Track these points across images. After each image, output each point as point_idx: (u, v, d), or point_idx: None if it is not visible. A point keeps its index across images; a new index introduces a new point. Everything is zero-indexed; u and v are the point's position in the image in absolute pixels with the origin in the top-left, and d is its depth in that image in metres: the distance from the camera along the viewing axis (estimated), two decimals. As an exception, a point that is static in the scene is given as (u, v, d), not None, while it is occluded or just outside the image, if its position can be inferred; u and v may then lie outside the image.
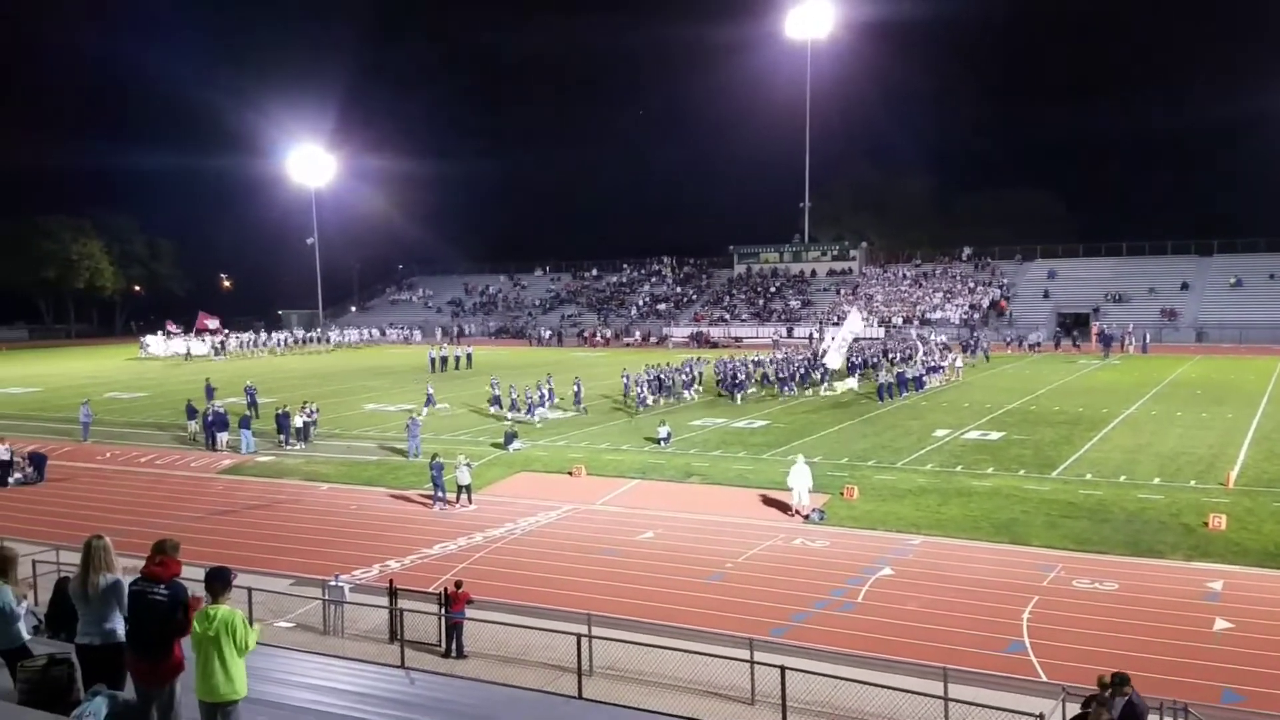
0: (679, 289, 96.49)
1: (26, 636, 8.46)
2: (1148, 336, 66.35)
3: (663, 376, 43.66)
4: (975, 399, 41.50)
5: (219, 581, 7.52)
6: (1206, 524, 20.99)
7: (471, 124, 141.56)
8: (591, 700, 12.64)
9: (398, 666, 13.77)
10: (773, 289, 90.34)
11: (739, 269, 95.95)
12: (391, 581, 17.36)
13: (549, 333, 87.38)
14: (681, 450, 30.85)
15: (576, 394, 39.85)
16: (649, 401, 39.47)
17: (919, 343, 54.40)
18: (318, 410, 35.39)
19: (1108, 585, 17.82)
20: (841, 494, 24.42)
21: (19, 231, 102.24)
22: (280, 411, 34.35)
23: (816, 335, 72.41)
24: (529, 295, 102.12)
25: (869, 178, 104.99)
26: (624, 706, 11.99)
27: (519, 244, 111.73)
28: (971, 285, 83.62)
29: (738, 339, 79.45)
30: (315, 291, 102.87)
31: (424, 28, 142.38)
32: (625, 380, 42.73)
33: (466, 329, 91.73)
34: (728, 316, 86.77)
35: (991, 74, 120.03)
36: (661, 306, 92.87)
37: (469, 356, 62.19)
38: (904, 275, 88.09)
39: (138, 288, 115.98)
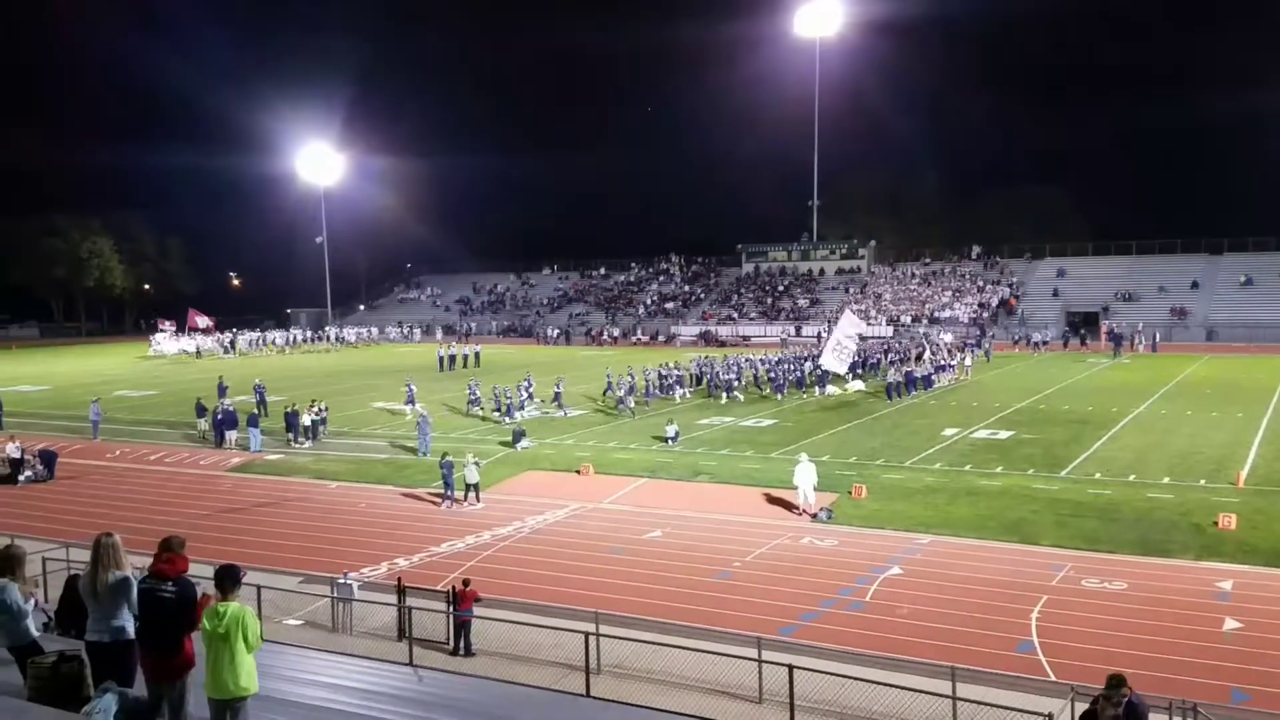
0: (687, 288, 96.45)
1: (36, 633, 8.49)
2: (1157, 335, 66.13)
3: (663, 374, 43.80)
4: (984, 398, 41.41)
5: (229, 579, 7.54)
6: (1216, 523, 20.90)
7: (480, 123, 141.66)
8: (599, 699, 12.65)
9: (406, 664, 13.78)
10: (781, 288, 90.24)
11: (747, 268, 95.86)
12: (400, 579, 17.40)
13: (556, 331, 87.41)
14: (689, 449, 30.84)
15: (557, 394, 39.37)
16: (631, 404, 38.54)
17: (925, 342, 54.23)
18: (327, 409, 35.47)
19: (1117, 585, 17.76)
20: (850, 493, 24.39)
21: (29, 230, 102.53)
22: (289, 410, 34.43)
23: (825, 334, 72.24)
24: (537, 294, 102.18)
25: (878, 176, 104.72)
26: (632, 705, 11.99)
27: (527, 243, 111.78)
28: (980, 284, 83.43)
29: (746, 338, 79.41)
30: (324, 290, 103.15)
31: (433, 26, 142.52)
32: (609, 380, 42.17)
33: (471, 327, 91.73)
34: (736, 315, 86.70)
35: (1001, 72, 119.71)
36: (669, 305, 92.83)
37: (477, 355, 62.26)
38: (913, 274, 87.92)
39: (147, 286, 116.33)
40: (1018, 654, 14.81)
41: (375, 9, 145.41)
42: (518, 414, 37.20)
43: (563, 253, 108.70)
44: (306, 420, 33.78)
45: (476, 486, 25.06)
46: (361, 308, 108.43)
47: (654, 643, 14.14)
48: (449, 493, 24.77)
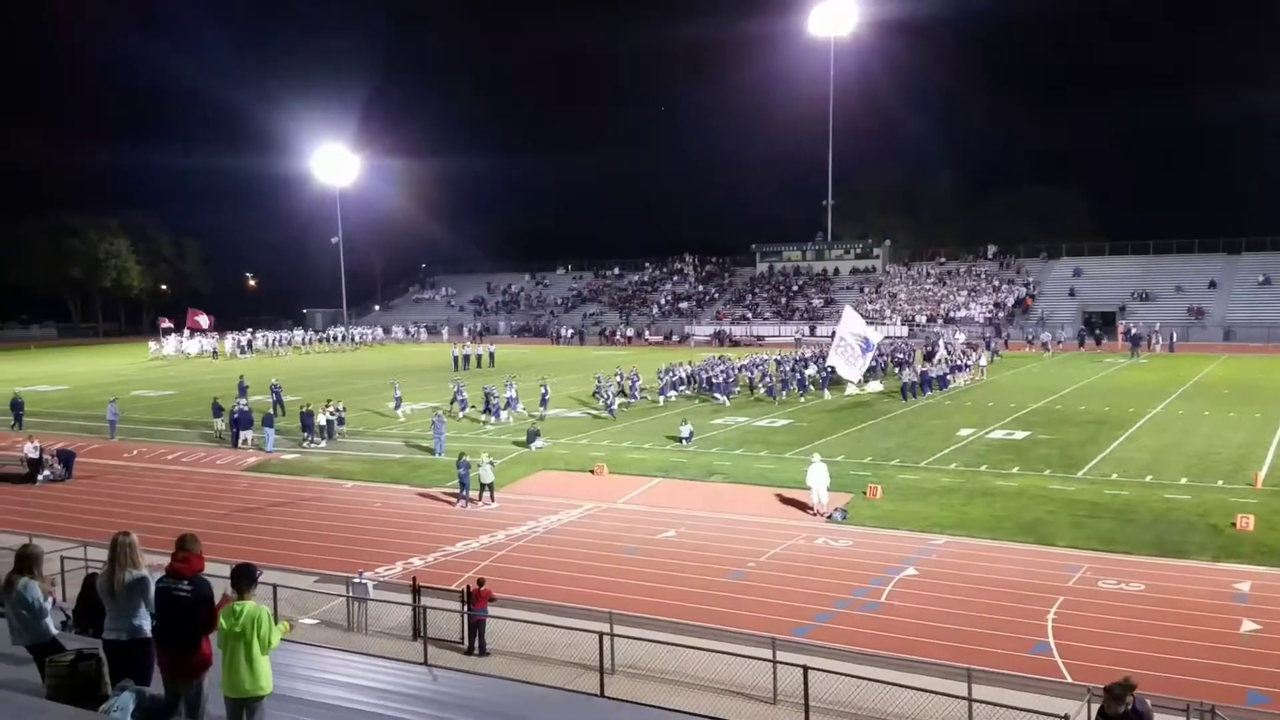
0: (701, 287, 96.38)
1: (54, 631, 8.55)
2: (1174, 335, 65.74)
3: (661, 375, 43.55)
4: (1000, 398, 41.25)
5: (245, 578, 7.58)
6: (1234, 524, 20.77)
7: (495, 123, 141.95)
8: (614, 699, 12.65)
9: (421, 663, 13.81)
10: (795, 287, 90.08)
11: (761, 267, 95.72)
12: (415, 579, 17.45)
13: (571, 331, 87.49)
14: (703, 449, 30.82)
15: (543, 397, 38.80)
16: (615, 406, 38.14)
17: (938, 342, 53.83)
18: (345, 409, 35.61)
19: (1134, 586, 17.67)
20: (864, 493, 24.33)
21: (48, 231, 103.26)
22: (304, 410, 34.57)
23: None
24: (551, 294, 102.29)
25: (893, 176, 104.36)
26: (646, 705, 11.99)
27: (542, 243, 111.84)
28: (996, 284, 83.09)
29: (760, 338, 79.31)
30: (339, 290, 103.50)
31: (447, 27, 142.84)
32: (598, 382, 41.35)
33: (478, 326, 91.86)
34: (750, 315, 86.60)
35: (1016, 71, 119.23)
36: (684, 305, 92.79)
37: (492, 355, 62.39)
38: (928, 274, 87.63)
39: (164, 286, 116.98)
40: (1033, 655, 14.75)
41: (391, 10, 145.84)
42: (502, 414, 37.05)
43: (577, 253, 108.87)
44: (322, 420, 33.91)
45: (491, 486, 25.11)
46: (377, 308, 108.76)
47: (668, 643, 14.14)
48: (464, 492, 24.82)
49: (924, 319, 78.07)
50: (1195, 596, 17.14)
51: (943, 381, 44.32)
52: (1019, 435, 32.12)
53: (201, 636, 7.63)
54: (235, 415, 34.42)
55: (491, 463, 25.65)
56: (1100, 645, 15.00)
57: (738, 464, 28.58)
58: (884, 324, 77.65)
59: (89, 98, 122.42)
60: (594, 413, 38.95)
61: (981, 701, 11.69)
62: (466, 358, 59.96)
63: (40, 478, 28.97)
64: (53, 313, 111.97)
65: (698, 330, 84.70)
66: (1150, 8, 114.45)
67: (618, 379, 41.74)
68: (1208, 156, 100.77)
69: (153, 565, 7.98)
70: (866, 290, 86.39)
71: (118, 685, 7.41)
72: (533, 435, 31.84)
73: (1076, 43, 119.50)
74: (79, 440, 34.80)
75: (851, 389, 42.86)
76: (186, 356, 73.43)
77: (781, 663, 13.21)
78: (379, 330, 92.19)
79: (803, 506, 23.53)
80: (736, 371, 46.25)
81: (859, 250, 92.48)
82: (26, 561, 8.54)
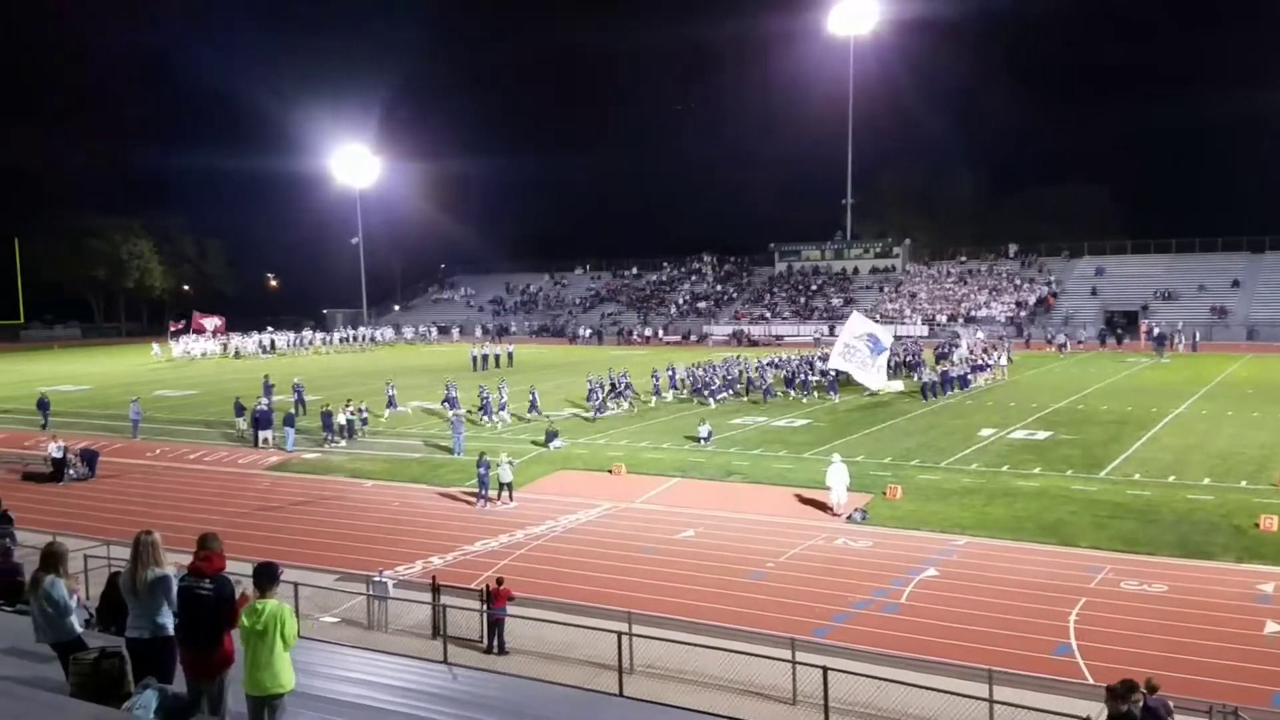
0: (719, 287, 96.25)
1: (79, 630, 8.62)
2: (1197, 335, 65.18)
3: (659, 376, 43.16)
4: (1021, 398, 41.00)
5: (266, 576, 7.61)
6: (1258, 525, 20.58)
7: (513, 123, 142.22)
8: (632, 698, 12.65)
9: (440, 662, 13.86)
10: (814, 287, 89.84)
11: (780, 267, 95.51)
12: (434, 578, 17.52)
13: (589, 331, 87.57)
14: (722, 449, 30.78)
15: (532, 400, 38.34)
16: (603, 408, 37.86)
17: (955, 342, 53.35)
18: (367, 409, 35.79)
19: (1156, 587, 17.54)
20: (884, 494, 24.24)
21: (71, 231, 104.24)
22: (324, 409, 34.74)
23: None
24: (570, 294, 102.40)
25: (913, 174, 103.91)
26: (665, 705, 11.99)
27: (560, 243, 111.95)
28: (1018, 283, 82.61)
29: (779, 337, 79.13)
30: (360, 291, 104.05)
31: (466, 29, 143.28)
32: (589, 384, 40.42)
33: (489, 327, 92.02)
34: (769, 315, 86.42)
35: (1035, 68, 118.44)
36: (702, 305, 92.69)
37: (510, 355, 62.53)
38: (948, 273, 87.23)
39: (186, 287, 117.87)
40: (1055, 657, 14.66)
41: (411, 12, 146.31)
42: (494, 415, 36.92)
43: (595, 253, 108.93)
44: (342, 419, 34.08)
45: (510, 486, 25.17)
46: (396, 308, 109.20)
47: (687, 643, 14.14)
48: (483, 491, 24.88)
49: (944, 318, 77.69)
50: (1218, 598, 16.99)
51: (963, 381, 44.07)
52: (1041, 435, 31.92)
53: (223, 634, 7.67)
54: (255, 415, 34.65)
55: (511, 462, 25.72)
56: (1122, 646, 14.89)
57: (756, 464, 28.53)
58: (904, 323, 77.47)
59: (113, 100, 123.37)
60: (581, 414, 38.58)
61: (1003, 703, 11.62)
62: (485, 358, 60.11)
63: (65, 477, 29.23)
64: (76, 313, 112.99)
65: (716, 330, 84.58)
66: (1172, 5, 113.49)
67: (609, 380, 41.15)
68: (1231, 154, 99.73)
69: (175, 564, 8.02)
70: (886, 289, 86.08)
71: (141, 683, 7.46)
72: (551, 435, 31.89)
73: (1097, 40, 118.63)
74: (102, 440, 35.10)
75: (874, 388, 42.27)
76: (191, 359, 73.29)
77: (801, 663, 13.18)
78: (388, 330, 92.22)
79: (822, 507, 23.47)
80: (734, 373, 45.06)
81: (878, 249, 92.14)
82: (52, 559, 8.62)
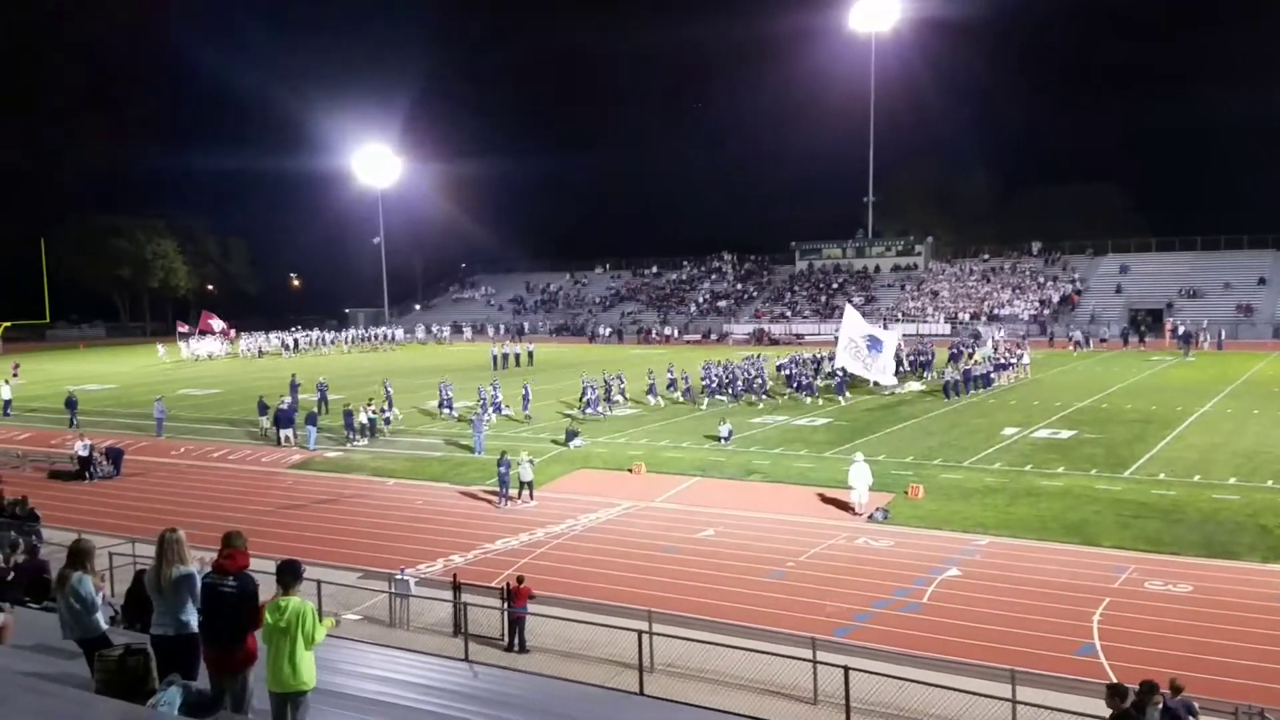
0: (739, 286, 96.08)
1: (105, 626, 8.69)
2: (1223, 333, 64.57)
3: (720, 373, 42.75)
4: (1045, 397, 40.74)
5: (290, 574, 7.65)
6: (1286, 526, 20.38)
7: (533, 123, 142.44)
8: (653, 697, 12.66)
9: (462, 659, 13.92)
10: (835, 285, 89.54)
11: (800, 265, 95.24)
12: (455, 576, 17.60)
13: (609, 330, 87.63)
14: (742, 448, 30.73)
15: (525, 400, 38.09)
16: (598, 409, 37.57)
17: (972, 342, 52.77)
18: (389, 408, 35.93)
19: (1181, 587, 17.40)
20: (906, 493, 24.14)
21: (96, 231, 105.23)
22: (346, 409, 34.93)
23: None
24: (590, 293, 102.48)
25: (935, 172, 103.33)
26: (685, 704, 11.99)
27: (580, 242, 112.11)
28: (1041, 280, 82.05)
29: (799, 336, 78.91)
30: (381, 290, 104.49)
31: (486, 29, 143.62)
32: (583, 383, 39.89)
33: (508, 325, 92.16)
34: (789, 313, 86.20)
35: (1060, 66, 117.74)
36: (722, 304, 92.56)
37: (530, 354, 62.66)
38: (971, 271, 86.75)
39: (210, 287, 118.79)
40: (1078, 657, 14.57)
41: (432, 11, 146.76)
42: (489, 415, 36.83)
43: (615, 251, 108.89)
44: (363, 418, 34.25)
45: (530, 484, 25.23)
46: (418, 307, 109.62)
47: (707, 642, 14.14)
48: (504, 491, 24.95)
49: (967, 317, 77.28)
50: (1244, 598, 16.84)
51: (986, 380, 43.82)
52: (1064, 434, 31.70)
53: (246, 632, 7.72)
54: (277, 413, 34.86)
55: (531, 461, 25.77)
56: (1147, 647, 14.79)
57: (777, 463, 28.47)
58: (926, 322, 77.15)
59: (136, 101, 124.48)
60: (571, 415, 38.19)
61: (1025, 703, 11.57)
62: (505, 356, 60.25)
63: (91, 475, 29.52)
64: (101, 312, 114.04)
65: (736, 329, 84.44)
66: (1197, 1, 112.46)
67: (604, 382, 40.62)
68: (1257, 151, 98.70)
69: (199, 561, 8.08)
70: (908, 288, 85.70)
71: (165, 680, 7.51)
72: (571, 434, 31.94)
73: (1121, 37, 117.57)
74: (127, 438, 35.41)
75: (882, 386, 41.78)
76: (196, 359, 73.10)
77: (822, 663, 13.15)
78: (398, 330, 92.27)
79: (843, 506, 23.40)
80: (731, 373, 43.93)
81: (900, 247, 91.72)
82: (79, 556, 8.69)
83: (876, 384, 41.91)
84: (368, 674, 10.82)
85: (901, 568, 19.02)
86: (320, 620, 7.71)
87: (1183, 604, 16.63)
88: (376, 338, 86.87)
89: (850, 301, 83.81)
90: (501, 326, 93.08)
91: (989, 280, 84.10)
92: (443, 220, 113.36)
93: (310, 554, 19.70)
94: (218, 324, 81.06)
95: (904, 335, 63.31)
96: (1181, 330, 62.92)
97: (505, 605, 16.01)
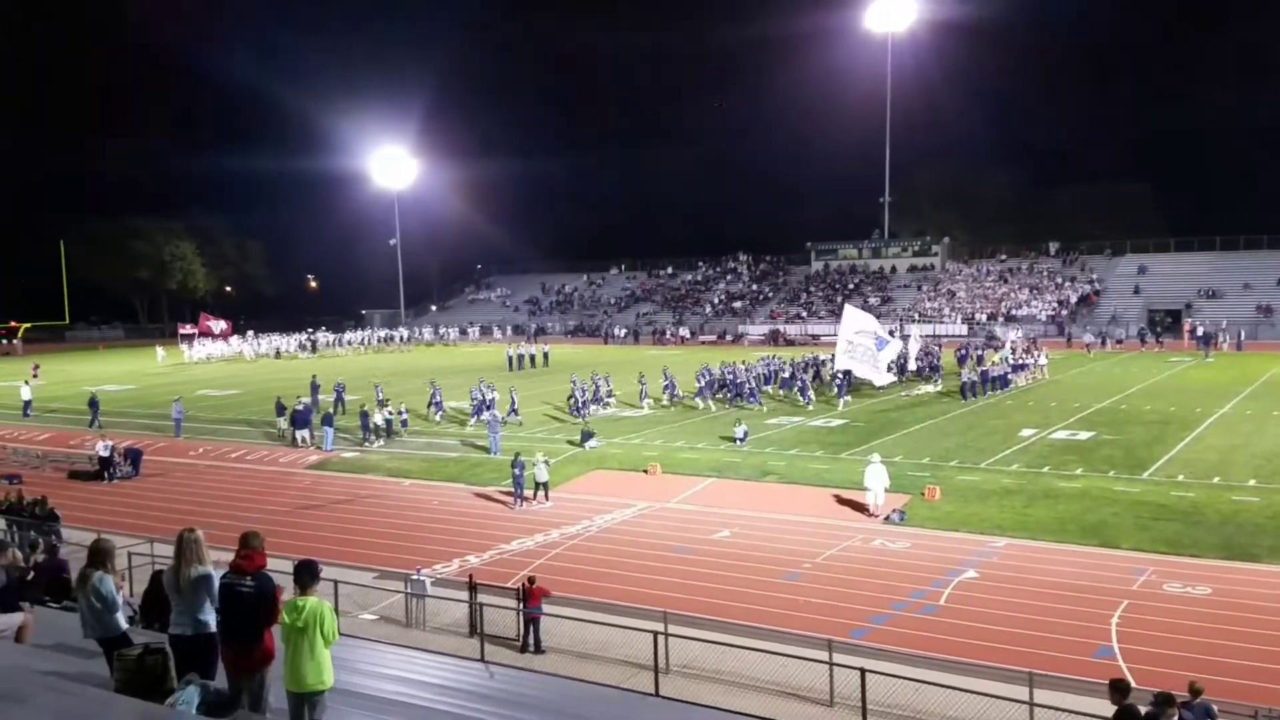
0: (755, 286, 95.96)
1: (124, 626, 8.75)
2: (1242, 333, 64.11)
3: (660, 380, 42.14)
4: (1063, 398, 40.52)
5: (307, 574, 7.69)
6: (1307, 528, 20.21)
7: (550, 124, 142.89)
8: (668, 698, 12.66)
9: (477, 660, 13.95)
10: (851, 285, 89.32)
11: (816, 266, 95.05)
12: (471, 576, 17.62)
13: (624, 331, 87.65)
14: (758, 449, 30.68)
15: (512, 403, 37.65)
16: (588, 411, 37.18)
17: (986, 343, 52.30)
18: (407, 410, 36.02)
19: (1200, 589, 17.27)
20: (923, 494, 24.04)
21: (114, 233, 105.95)
22: (362, 409, 35.06)
23: (897, 333, 71.21)
24: (605, 294, 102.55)
25: (951, 172, 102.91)
26: (701, 705, 11.99)
27: (595, 243, 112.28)
28: (1059, 281, 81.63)
29: (815, 336, 78.74)
30: (397, 291, 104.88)
31: (502, 31, 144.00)
32: (573, 385, 39.30)
33: (522, 327, 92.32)
34: (805, 314, 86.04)
35: (1077, 65, 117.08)
36: (737, 304, 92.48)
37: (545, 355, 62.74)
38: (988, 271, 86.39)
39: (228, 288, 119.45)
40: (1097, 660, 14.47)
41: (447, 13, 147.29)
42: (484, 416, 36.66)
43: (630, 252, 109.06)
44: (379, 419, 34.37)
45: (546, 485, 25.25)
46: (434, 308, 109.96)
47: (723, 643, 14.12)
48: (518, 492, 24.98)
49: (984, 317, 76.96)
50: (1264, 600, 16.70)
51: (1003, 381, 43.63)
52: (1083, 435, 31.52)
53: (264, 631, 7.76)
54: (294, 414, 35.01)
55: (546, 462, 25.79)
56: (1165, 649, 14.68)
57: (792, 464, 28.41)
58: (943, 322, 76.87)
59: (154, 103, 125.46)
60: (559, 417, 38.22)
61: (1043, 706, 11.51)
62: (520, 358, 60.34)
63: (110, 475, 29.71)
64: (121, 313, 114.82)
65: (751, 330, 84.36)
66: (1215, 1, 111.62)
67: (593, 384, 40.44)
68: (1277, 150, 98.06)
69: (217, 561, 8.13)
70: (925, 288, 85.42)
71: (183, 679, 7.56)
72: (586, 435, 31.96)
73: (1138, 36, 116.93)
74: (146, 439, 35.63)
75: (881, 386, 40.33)
76: (197, 362, 72.55)
77: (838, 665, 13.11)
78: (402, 331, 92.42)
79: (859, 508, 23.32)
80: (728, 375, 43.24)
81: (917, 248, 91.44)
82: (100, 555, 8.75)
83: (876, 385, 40.04)
84: (384, 674, 10.86)
85: (918, 569, 18.95)
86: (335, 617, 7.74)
87: (1202, 606, 16.51)
88: (388, 339, 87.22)
89: (866, 301, 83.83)
90: (508, 328, 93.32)
91: (1006, 281, 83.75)
92: (459, 221, 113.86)
93: (327, 554, 19.77)
94: (216, 325, 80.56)
95: (922, 336, 63.22)
96: (1201, 331, 62.48)
97: (520, 606, 16.04)
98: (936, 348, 53.48)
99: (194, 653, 7.85)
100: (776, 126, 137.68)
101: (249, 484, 29.24)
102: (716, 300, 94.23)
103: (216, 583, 7.86)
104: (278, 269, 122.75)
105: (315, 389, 42.43)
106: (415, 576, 17.60)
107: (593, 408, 38.26)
